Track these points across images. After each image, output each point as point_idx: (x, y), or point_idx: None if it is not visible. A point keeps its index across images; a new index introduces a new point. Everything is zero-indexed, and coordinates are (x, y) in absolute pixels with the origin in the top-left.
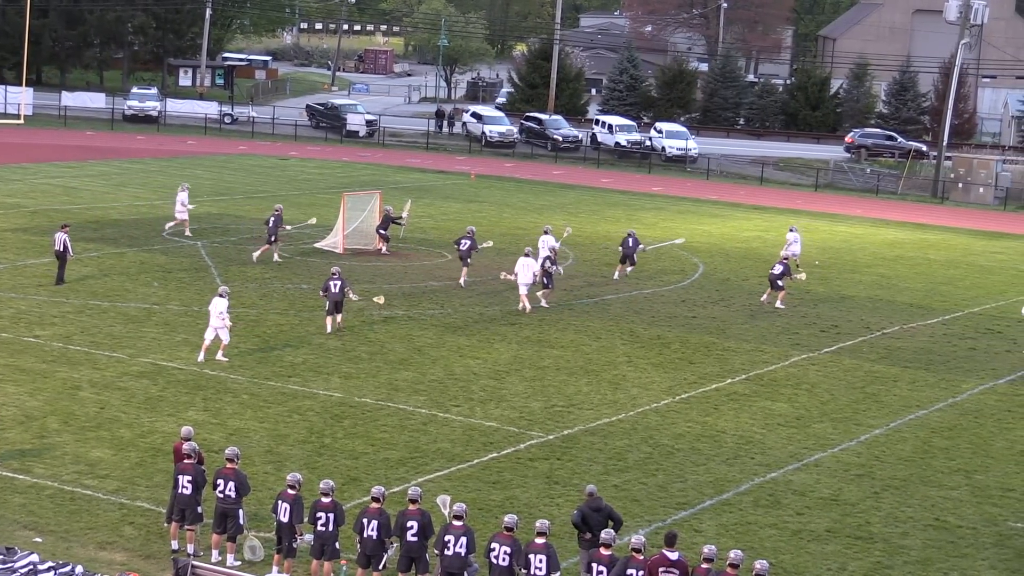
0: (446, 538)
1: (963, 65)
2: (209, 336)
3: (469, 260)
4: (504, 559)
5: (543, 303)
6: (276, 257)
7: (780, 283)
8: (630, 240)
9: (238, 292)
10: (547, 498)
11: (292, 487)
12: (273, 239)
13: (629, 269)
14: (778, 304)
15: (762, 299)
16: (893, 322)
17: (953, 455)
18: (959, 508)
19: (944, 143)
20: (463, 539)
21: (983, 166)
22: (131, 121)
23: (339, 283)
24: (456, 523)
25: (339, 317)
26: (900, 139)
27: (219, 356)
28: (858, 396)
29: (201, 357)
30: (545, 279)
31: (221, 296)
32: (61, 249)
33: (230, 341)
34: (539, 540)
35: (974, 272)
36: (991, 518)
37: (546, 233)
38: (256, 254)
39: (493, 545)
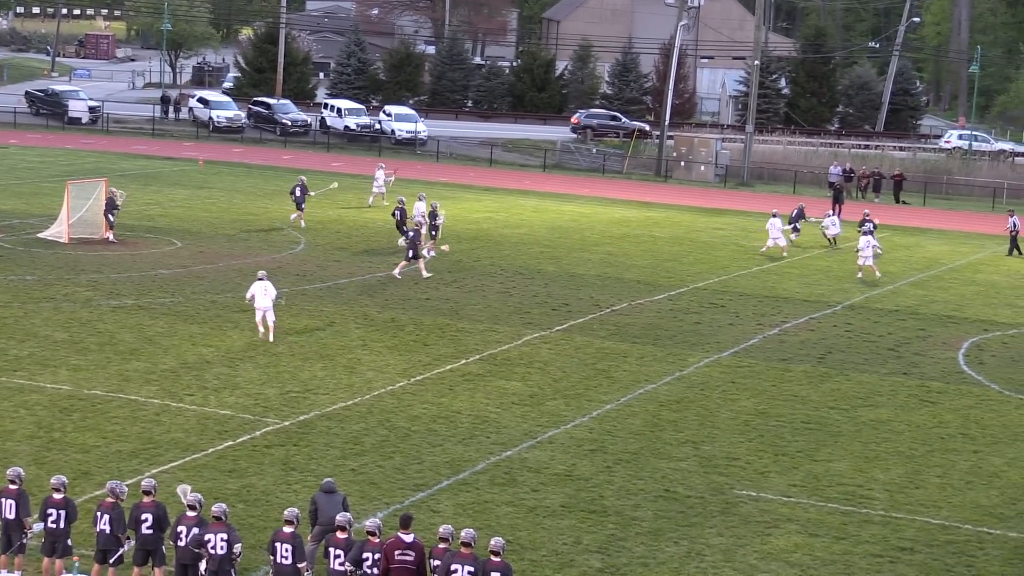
0: (179, 529)
1: (682, 46)
2: None
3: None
4: (222, 547)
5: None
6: (302, 223)
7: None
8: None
9: None
10: (284, 484)
11: (14, 482)
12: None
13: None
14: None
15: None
16: (621, 299)
17: (681, 427)
18: (688, 478)
19: (666, 123)
20: (195, 530)
21: (703, 145)
22: None
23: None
24: (190, 513)
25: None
26: (624, 119)
27: None
28: (589, 372)
29: None
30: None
31: None
32: None
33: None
34: (287, 529)
35: (697, 248)
36: (718, 487)
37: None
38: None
39: (208, 536)
